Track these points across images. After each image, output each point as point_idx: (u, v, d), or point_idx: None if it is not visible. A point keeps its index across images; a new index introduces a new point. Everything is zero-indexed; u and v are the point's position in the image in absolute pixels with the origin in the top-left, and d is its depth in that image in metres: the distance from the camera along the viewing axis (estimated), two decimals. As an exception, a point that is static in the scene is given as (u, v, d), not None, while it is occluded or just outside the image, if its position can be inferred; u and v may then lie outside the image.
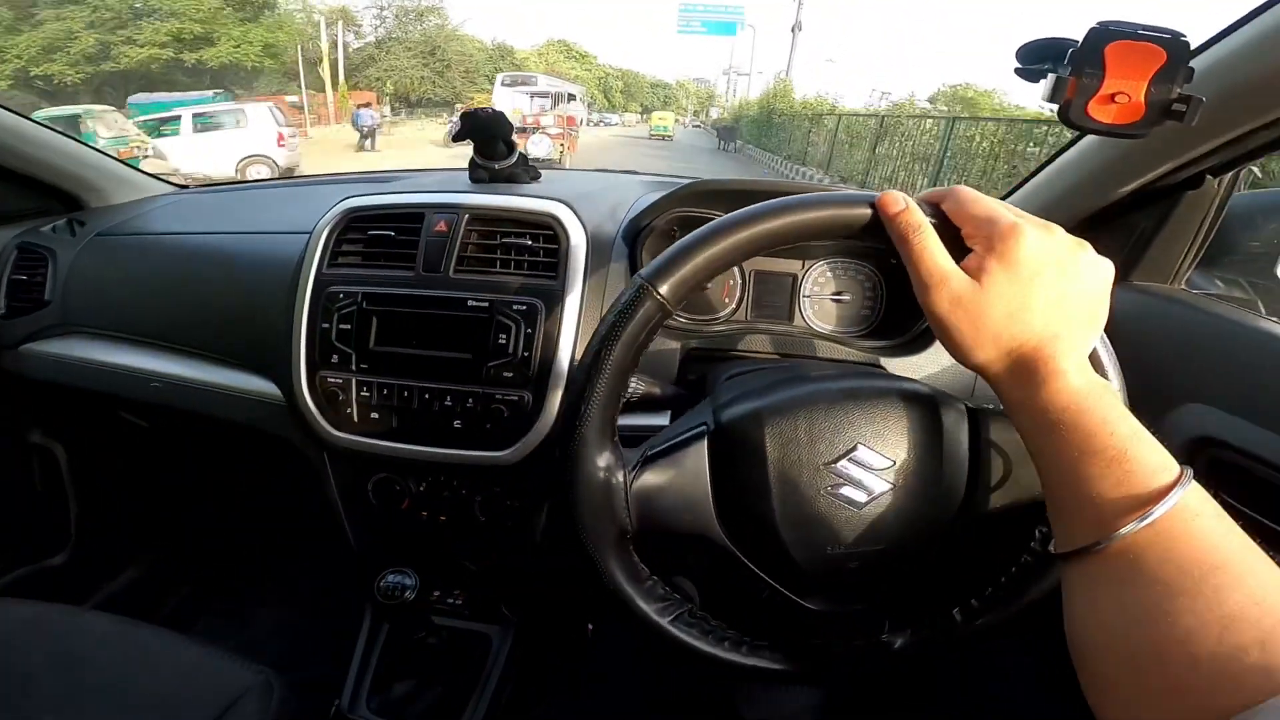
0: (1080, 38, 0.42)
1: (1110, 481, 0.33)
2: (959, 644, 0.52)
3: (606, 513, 0.45)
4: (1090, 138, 0.78)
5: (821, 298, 0.86)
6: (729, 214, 0.42)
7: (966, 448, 0.47)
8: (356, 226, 0.81)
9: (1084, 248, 0.39)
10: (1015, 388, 0.38)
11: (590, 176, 1.08)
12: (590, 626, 1.12)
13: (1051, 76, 0.45)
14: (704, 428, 0.48)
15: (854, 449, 0.46)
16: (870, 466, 0.46)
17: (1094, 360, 0.43)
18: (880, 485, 0.46)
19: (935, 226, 0.40)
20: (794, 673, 0.52)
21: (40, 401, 1.18)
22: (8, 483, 1.26)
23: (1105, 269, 0.39)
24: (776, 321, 0.85)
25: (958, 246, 0.39)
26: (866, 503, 0.46)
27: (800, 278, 0.85)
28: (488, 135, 0.86)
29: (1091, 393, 0.36)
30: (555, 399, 0.75)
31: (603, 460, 0.44)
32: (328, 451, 0.85)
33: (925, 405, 0.47)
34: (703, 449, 0.47)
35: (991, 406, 0.48)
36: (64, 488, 1.33)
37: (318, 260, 0.81)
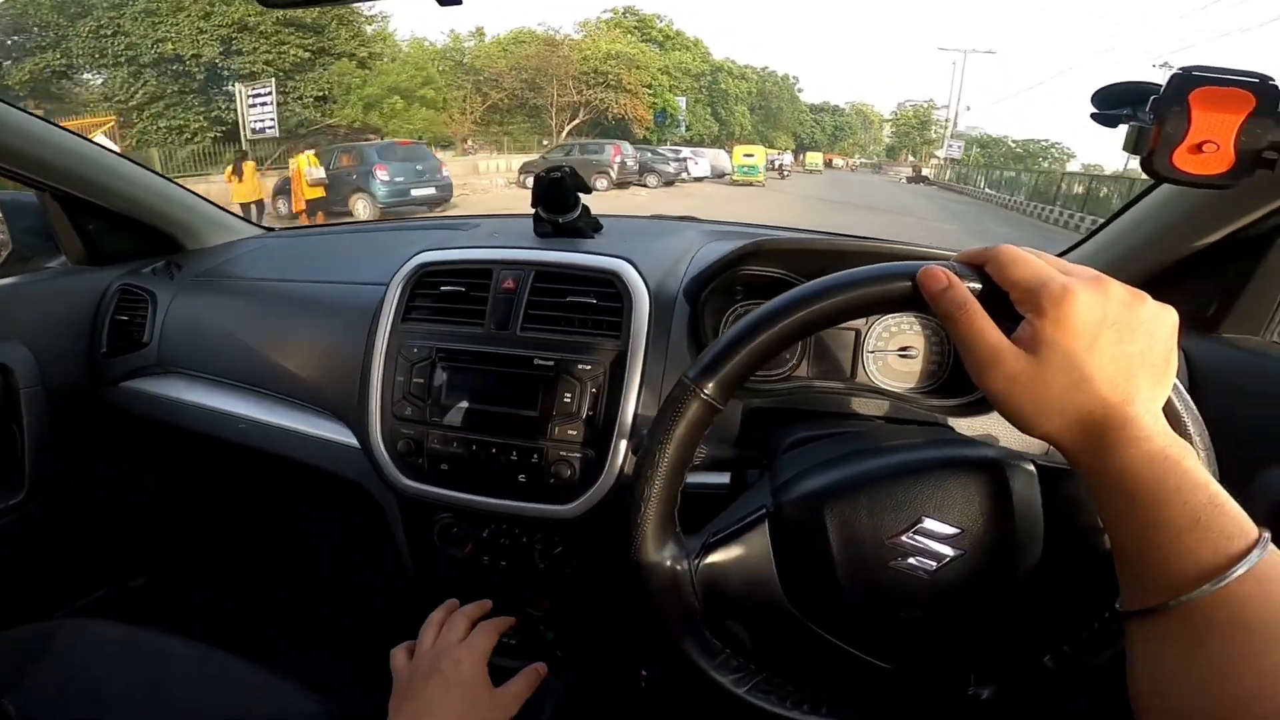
0: (1162, 82, 0.41)
1: (1182, 548, 0.32)
2: (1053, 689, 0.50)
3: (675, 599, 0.47)
4: (1168, 186, 0.75)
5: (885, 353, 0.82)
6: (765, 306, 0.43)
7: (1039, 507, 0.46)
8: (429, 281, 0.85)
9: (1142, 300, 0.36)
10: (1085, 455, 0.36)
11: (647, 224, 1.10)
12: (644, 673, 1.12)
13: (1133, 125, 0.43)
14: (764, 510, 0.49)
15: (919, 522, 0.45)
16: (937, 535, 0.45)
17: (1173, 417, 0.41)
18: (950, 551, 0.45)
19: (981, 294, 0.38)
20: None
21: (134, 434, 1.26)
22: (100, 507, 1.34)
23: (1168, 319, 0.37)
24: (837, 379, 0.83)
25: (1007, 314, 0.38)
26: (937, 569, 0.45)
27: (864, 333, 0.83)
28: (559, 196, 0.88)
29: (1167, 458, 0.34)
30: (619, 458, 0.76)
31: (666, 552, 0.47)
32: (397, 496, 0.88)
33: (990, 471, 0.46)
34: (764, 531, 0.48)
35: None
36: (149, 515, 1.42)
37: (392, 314, 0.85)
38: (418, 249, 0.90)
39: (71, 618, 0.96)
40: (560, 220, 0.91)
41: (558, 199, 0.90)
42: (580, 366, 0.77)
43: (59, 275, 1.23)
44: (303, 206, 11.02)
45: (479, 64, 30.05)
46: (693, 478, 0.71)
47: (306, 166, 11.15)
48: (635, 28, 34.78)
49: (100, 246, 1.23)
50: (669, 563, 0.46)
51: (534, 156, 21.24)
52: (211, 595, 1.47)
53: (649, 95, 32.51)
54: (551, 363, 0.77)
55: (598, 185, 16.40)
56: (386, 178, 11.53)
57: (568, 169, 0.90)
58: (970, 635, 0.50)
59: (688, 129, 36.76)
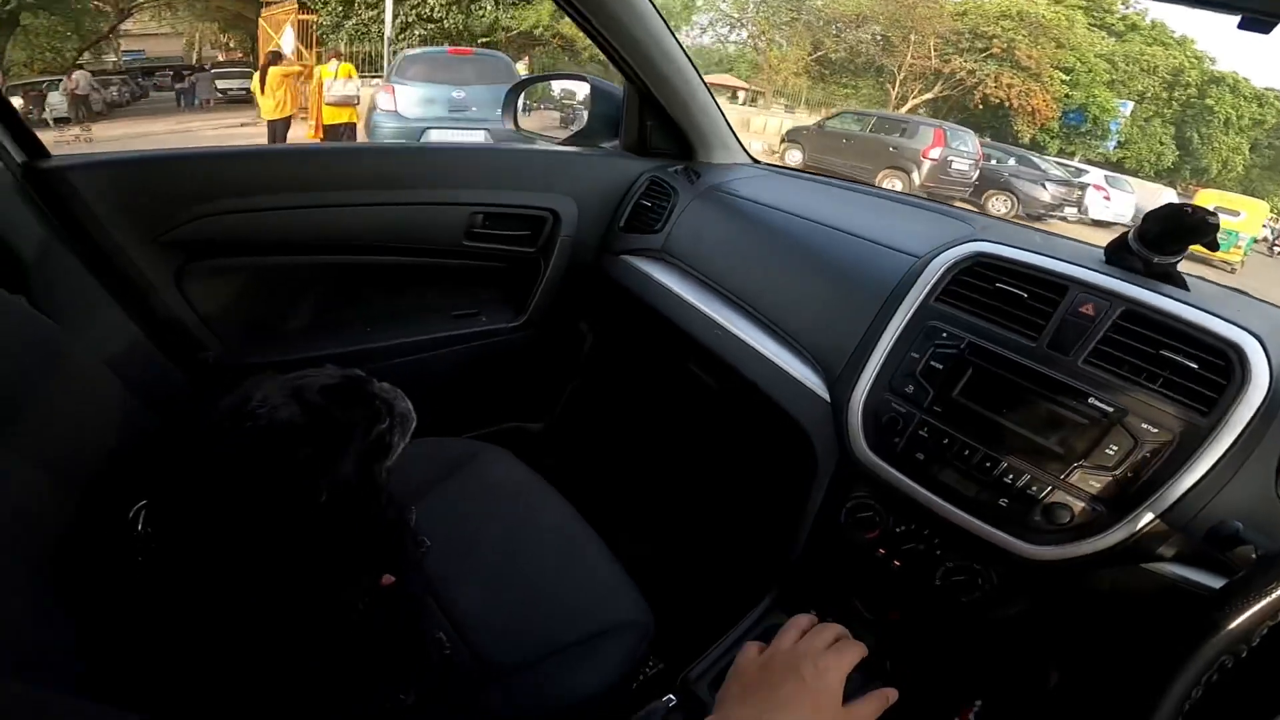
0: None
1: None
2: None
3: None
4: None
5: None
6: None
7: None
8: (980, 272, 0.81)
9: None
10: None
11: (1232, 296, 0.88)
12: (979, 703, 1.00)
13: None
14: None
15: None
16: None
17: None
18: None
19: None
20: None
21: (616, 301, 1.44)
22: (561, 352, 1.60)
23: None
24: None
25: None
26: None
27: None
28: (1176, 236, 0.75)
29: None
30: (1132, 528, 0.66)
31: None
32: (840, 459, 0.88)
33: None
34: None
35: None
36: (574, 370, 1.66)
37: (928, 290, 0.82)
38: (966, 235, 0.86)
39: (484, 441, 1.11)
40: (1155, 260, 0.77)
41: (1171, 238, 0.76)
42: (1144, 425, 0.66)
43: (610, 155, 1.48)
44: (320, 135, 7.80)
45: (820, 4, 21.87)
46: (1180, 569, 0.65)
47: (329, 79, 7.45)
48: (1081, 7, 21.02)
49: (647, 140, 1.44)
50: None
51: (807, 121, 14.84)
52: (591, 462, 1.63)
53: (1061, 83, 20.19)
54: (1109, 409, 0.67)
55: (886, 186, 10.35)
56: (390, 106, 6.87)
57: (1203, 211, 0.74)
58: None
59: (1119, 145, 22.57)
